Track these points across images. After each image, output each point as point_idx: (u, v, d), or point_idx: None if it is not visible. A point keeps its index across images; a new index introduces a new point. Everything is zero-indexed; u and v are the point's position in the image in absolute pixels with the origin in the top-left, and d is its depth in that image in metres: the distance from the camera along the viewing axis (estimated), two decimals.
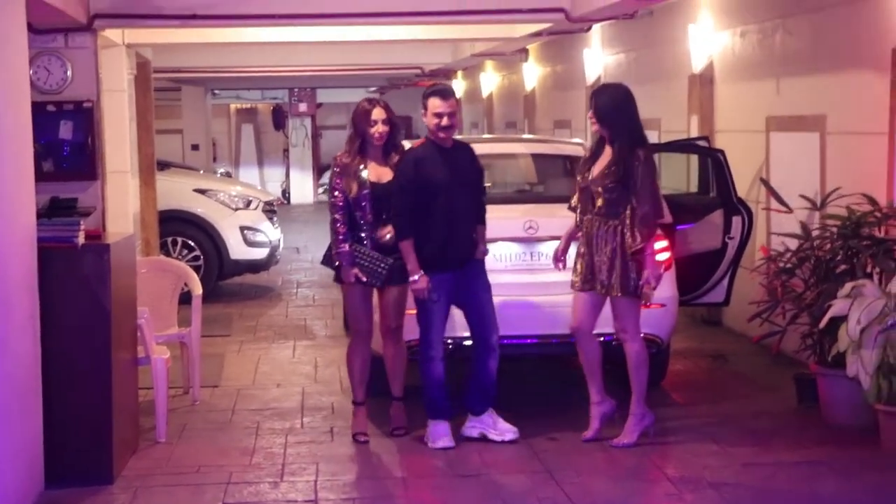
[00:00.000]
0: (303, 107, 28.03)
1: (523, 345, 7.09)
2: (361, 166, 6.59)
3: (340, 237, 6.58)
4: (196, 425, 7.23)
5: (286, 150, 29.16)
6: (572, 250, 6.71)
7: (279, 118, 29.21)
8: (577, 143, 8.08)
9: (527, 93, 16.56)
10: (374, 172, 6.61)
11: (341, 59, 17.08)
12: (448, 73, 20.31)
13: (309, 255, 16.37)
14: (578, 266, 6.58)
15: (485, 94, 19.69)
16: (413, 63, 18.02)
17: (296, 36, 12.17)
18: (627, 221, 6.39)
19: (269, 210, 12.73)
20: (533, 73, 16.43)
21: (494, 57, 17.34)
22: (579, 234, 6.65)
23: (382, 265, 6.53)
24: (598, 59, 13.23)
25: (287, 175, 28.89)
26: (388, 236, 6.55)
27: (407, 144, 6.91)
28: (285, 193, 28.45)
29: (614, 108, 6.50)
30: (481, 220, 6.70)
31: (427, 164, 6.51)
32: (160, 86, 18.72)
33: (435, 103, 6.52)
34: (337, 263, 6.64)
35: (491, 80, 19.68)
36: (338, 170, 6.60)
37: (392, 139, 6.64)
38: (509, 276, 7.18)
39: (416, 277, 6.45)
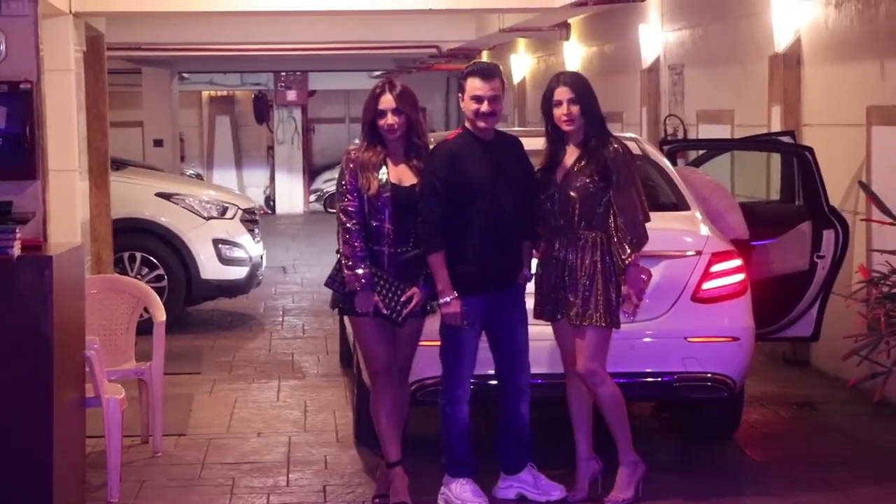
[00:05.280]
0: (291, 95, 28.12)
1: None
2: (383, 162, 6.49)
3: (358, 254, 6.42)
4: (157, 482, 7.21)
5: (271, 149, 29.26)
6: None
7: (262, 109, 29.30)
8: (630, 138, 8.07)
9: None
10: (393, 172, 6.51)
11: (339, 34, 17.14)
12: (470, 53, 20.34)
13: (298, 276, 16.41)
14: (540, 291, 6.64)
15: (516, 80, 19.73)
16: (427, 40, 18.07)
17: (283, 4, 12.21)
18: (612, 230, 6.47)
19: (250, 220, 12.75)
20: (576, 55, 16.46)
21: (528, 34, 17.36)
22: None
23: (401, 302, 6.44)
24: (657, 36, 13.27)
25: (272, 179, 28.99)
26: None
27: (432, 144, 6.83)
28: (269, 201, 28.55)
29: (594, 98, 6.64)
30: (530, 235, 6.68)
31: (463, 160, 6.49)
32: (116, 67, 18.83)
33: (474, 84, 6.52)
34: (348, 289, 6.47)
35: (524, 63, 19.71)
36: (352, 166, 6.50)
37: (410, 136, 6.54)
38: None
39: (447, 299, 6.42)
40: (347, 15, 14.36)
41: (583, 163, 6.56)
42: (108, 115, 12.37)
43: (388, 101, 6.48)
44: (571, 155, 6.62)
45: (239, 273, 12.42)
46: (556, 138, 6.67)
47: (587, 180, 6.52)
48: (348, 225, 6.46)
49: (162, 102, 25.07)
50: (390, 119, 6.46)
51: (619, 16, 14.17)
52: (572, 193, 6.52)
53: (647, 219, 6.55)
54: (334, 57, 22.86)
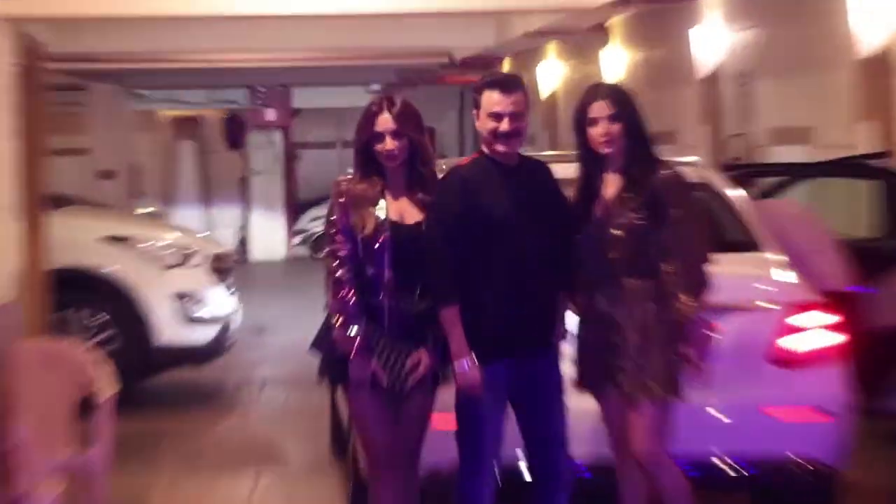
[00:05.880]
0: (271, 114, 28.33)
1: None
2: (380, 195, 6.47)
3: (351, 309, 6.41)
4: None
5: (245, 180, 29.35)
6: None
7: (235, 132, 29.44)
8: (691, 161, 8.03)
9: None
10: (394, 208, 6.50)
11: (328, 41, 17.21)
12: (489, 62, 20.38)
13: (278, 338, 16.40)
14: (583, 355, 6.63)
15: (544, 93, 19.81)
16: (437, 47, 18.17)
17: (261, 6, 12.21)
18: (665, 276, 6.39)
19: (220, 269, 12.76)
20: (617, 63, 16.56)
21: (560, 38, 17.49)
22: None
23: (406, 370, 6.40)
24: (718, 39, 13.34)
25: (246, 218, 29.08)
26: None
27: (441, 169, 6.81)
28: (243, 244, 28.61)
29: (639, 114, 6.61)
30: (565, 284, 6.61)
31: (479, 191, 6.45)
32: (58, 82, 18.84)
33: (492, 99, 6.50)
34: (339, 354, 6.43)
35: (554, 74, 19.80)
36: (342, 199, 6.48)
37: (413, 164, 6.53)
38: None
39: (464, 364, 6.36)
40: (339, 19, 14.40)
41: (627, 194, 6.51)
42: (47, 140, 12.36)
43: (385, 121, 6.47)
44: (612, 184, 6.57)
45: (205, 335, 12.42)
46: (593, 164, 6.62)
47: (633, 216, 6.47)
48: (339, 273, 6.41)
49: (112, 125, 25.34)
50: (389, 143, 6.45)
51: (668, 16, 14.26)
52: (615, 232, 6.47)
53: (708, 261, 6.46)
54: (323, 68, 22.95)
